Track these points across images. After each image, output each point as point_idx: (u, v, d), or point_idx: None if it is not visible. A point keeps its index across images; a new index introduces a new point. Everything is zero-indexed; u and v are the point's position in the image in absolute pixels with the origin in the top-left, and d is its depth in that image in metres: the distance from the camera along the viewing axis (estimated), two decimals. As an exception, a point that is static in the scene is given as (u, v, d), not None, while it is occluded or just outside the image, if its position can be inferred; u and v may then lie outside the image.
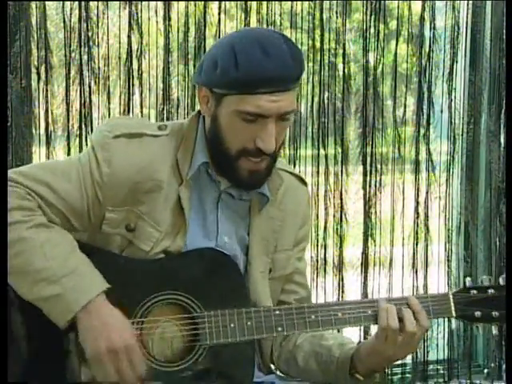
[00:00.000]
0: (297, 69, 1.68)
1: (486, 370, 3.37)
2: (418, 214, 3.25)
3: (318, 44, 3.05)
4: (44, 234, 1.66)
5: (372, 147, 3.16)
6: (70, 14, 2.71)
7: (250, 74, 1.63)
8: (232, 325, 1.68)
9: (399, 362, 3.24)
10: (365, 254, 3.18)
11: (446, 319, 3.29)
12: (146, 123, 1.91)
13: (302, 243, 1.94)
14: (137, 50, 2.80)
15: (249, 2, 2.92)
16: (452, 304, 1.78)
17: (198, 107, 1.84)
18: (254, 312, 1.70)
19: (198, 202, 1.78)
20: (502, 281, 1.80)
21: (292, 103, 1.69)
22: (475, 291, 1.79)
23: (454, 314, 1.79)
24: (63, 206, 1.70)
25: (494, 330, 1.81)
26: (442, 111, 3.28)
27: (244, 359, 1.72)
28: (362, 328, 3.09)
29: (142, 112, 2.83)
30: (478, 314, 1.78)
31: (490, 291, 1.78)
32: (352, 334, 2.93)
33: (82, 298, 1.62)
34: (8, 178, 1.68)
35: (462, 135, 3.33)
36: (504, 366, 3.28)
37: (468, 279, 1.81)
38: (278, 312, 1.71)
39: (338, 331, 2.77)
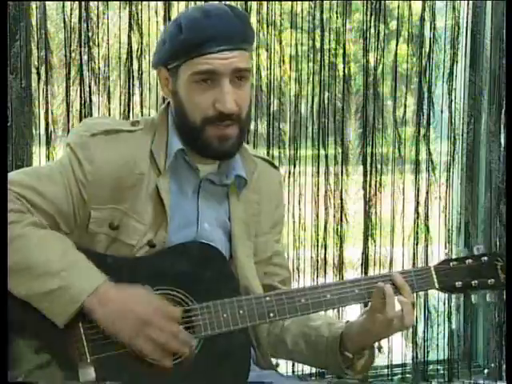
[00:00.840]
0: (242, 27, 1.73)
1: (486, 370, 3.37)
2: (418, 214, 3.24)
3: (318, 44, 3.06)
4: (39, 232, 1.68)
5: (372, 147, 3.17)
6: (70, 14, 2.71)
7: (193, 37, 1.69)
8: (225, 315, 1.69)
9: (399, 362, 3.27)
10: (365, 254, 3.18)
11: (446, 319, 3.30)
12: (119, 121, 2.01)
13: (278, 225, 1.97)
14: (137, 50, 2.81)
15: (249, 2, 2.92)
16: (434, 276, 1.80)
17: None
18: (245, 300, 1.71)
19: (178, 191, 1.79)
20: (476, 251, 1.83)
21: (245, 61, 1.72)
22: (455, 262, 1.82)
23: (436, 285, 1.80)
24: (51, 209, 1.71)
25: (473, 299, 1.85)
26: (442, 111, 3.28)
27: (239, 351, 1.73)
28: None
29: (142, 112, 2.83)
30: (458, 284, 1.80)
31: (468, 261, 1.81)
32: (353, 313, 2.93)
33: (87, 287, 1.62)
34: None
35: (462, 135, 3.33)
36: (504, 366, 3.28)
37: (445, 251, 1.84)
38: (268, 298, 1.73)
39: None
